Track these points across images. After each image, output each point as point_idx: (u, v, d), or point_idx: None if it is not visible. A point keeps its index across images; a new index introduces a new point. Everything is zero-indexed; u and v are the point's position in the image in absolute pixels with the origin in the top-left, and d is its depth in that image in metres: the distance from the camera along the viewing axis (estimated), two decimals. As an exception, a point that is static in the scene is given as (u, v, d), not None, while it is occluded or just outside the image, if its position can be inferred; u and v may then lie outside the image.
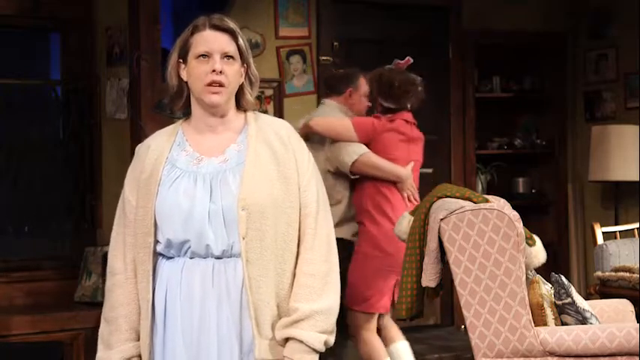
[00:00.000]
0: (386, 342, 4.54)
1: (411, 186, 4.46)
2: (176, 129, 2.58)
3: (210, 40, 2.46)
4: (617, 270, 5.08)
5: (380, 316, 4.55)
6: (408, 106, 4.58)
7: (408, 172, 4.47)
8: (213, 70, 2.43)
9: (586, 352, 3.27)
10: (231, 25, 2.49)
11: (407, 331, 4.75)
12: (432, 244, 3.45)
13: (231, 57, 2.46)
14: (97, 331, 2.58)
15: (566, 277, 3.59)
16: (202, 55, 2.45)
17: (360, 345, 4.50)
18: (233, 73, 2.47)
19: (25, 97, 5.47)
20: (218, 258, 2.42)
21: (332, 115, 4.62)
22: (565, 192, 7.08)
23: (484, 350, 3.30)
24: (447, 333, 6.32)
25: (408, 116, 4.57)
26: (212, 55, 2.45)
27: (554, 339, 3.28)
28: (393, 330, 4.59)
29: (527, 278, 3.41)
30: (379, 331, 4.57)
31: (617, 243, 5.47)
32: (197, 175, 2.45)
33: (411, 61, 4.67)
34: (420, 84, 4.61)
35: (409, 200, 4.44)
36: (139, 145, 2.61)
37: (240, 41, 2.49)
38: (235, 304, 2.40)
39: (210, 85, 2.44)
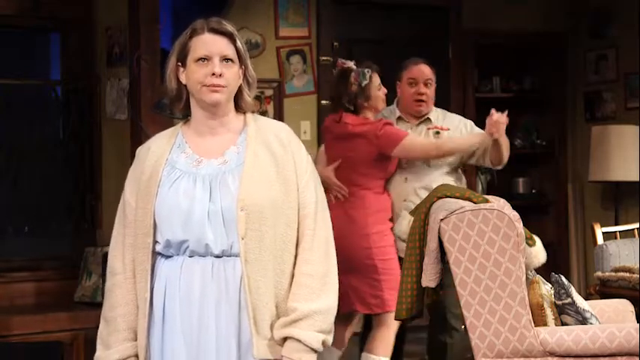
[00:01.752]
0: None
1: (330, 184, 4.43)
2: (176, 131, 2.59)
3: (209, 44, 2.47)
4: (617, 270, 5.07)
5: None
6: (346, 105, 4.55)
7: (326, 172, 4.44)
8: (213, 74, 2.44)
9: (586, 352, 3.27)
10: (229, 28, 2.51)
11: (407, 331, 4.74)
12: (432, 244, 3.45)
13: (230, 60, 2.48)
14: (97, 331, 2.58)
15: (566, 277, 3.59)
16: (202, 59, 2.46)
17: None
18: (232, 76, 2.48)
19: (25, 97, 5.47)
20: (217, 257, 2.43)
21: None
22: (565, 192, 7.08)
23: (484, 350, 3.30)
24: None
25: (337, 116, 4.56)
26: (211, 58, 2.46)
27: (554, 339, 3.28)
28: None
29: (527, 278, 3.41)
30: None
31: (617, 243, 5.46)
32: (197, 176, 2.46)
33: (344, 64, 4.69)
34: (356, 80, 4.57)
35: (336, 199, 4.42)
36: (140, 147, 2.63)
37: (239, 44, 2.50)
38: (234, 303, 2.41)
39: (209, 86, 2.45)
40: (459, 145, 4.51)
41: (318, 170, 4.25)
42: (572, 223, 7.05)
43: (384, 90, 4.66)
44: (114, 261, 2.56)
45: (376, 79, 4.64)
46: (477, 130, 4.61)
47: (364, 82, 4.56)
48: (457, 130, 4.61)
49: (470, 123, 4.69)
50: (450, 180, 4.49)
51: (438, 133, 4.58)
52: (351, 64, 4.68)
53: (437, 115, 4.67)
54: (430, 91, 4.62)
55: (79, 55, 5.40)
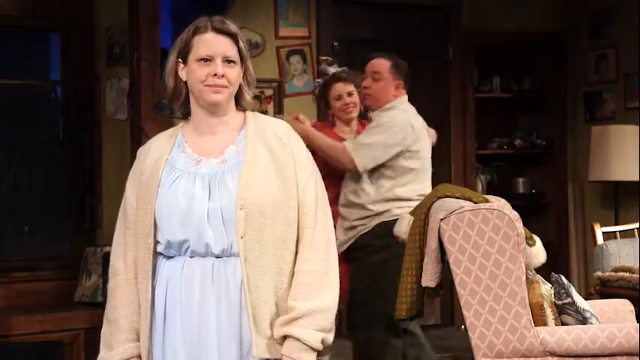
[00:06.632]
0: None
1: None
2: (176, 131, 2.59)
3: (211, 44, 2.46)
4: (617, 270, 5.08)
5: None
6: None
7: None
8: (215, 74, 2.44)
9: (586, 352, 3.27)
10: (233, 28, 2.50)
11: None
12: (432, 244, 3.45)
13: (232, 61, 2.47)
14: (97, 331, 2.59)
15: (566, 277, 3.59)
16: (204, 59, 2.45)
17: None
18: (234, 77, 2.48)
19: (25, 98, 5.47)
20: (218, 257, 2.43)
21: None
22: (565, 192, 7.08)
23: (484, 350, 3.30)
24: (447, 333, 6.32)
25: None
26: (214, 58, 2.45)
27: (554, 339, 3.28)
28: None
29: (527, 278, 3.41)
30: None
31: (617, 243, 5.47)
32: (196, 175, 2.46)
33: (323, 70, 4.82)
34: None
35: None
36: (141, 147, 2.63)
37: (241, 44, 2.50)
38: (234, 303, 2.41)
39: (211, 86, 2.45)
40: None
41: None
42: (572, 223, 7.05)
43: (344, 101, 4.61)
44: (116, 262, 2.56)
45: (336, 89, 4.63)
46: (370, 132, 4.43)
47: (317, 91, 4.64)
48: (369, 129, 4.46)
49: (374, 124, 4.43)
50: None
51: None
52: (328, 69, 4.71)
53: (383, 112, 4.48)
54: (377, 86, 4.48)
55: (79, 55, 5.40)
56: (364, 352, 4.45)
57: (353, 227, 4.43)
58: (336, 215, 4.37)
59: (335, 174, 4.48)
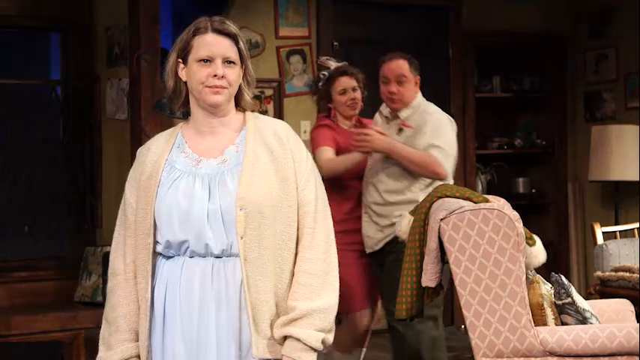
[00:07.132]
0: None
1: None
2: (176, 131, 2.59)
3: (212, 45, 2.46)
4: (617, 270, 5.08)
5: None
6: (319, 104, 4.85)
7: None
8: (215, 75, 2.44)
9: (586, 352, 3.27)
10: (233, 29, 2.50)
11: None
12: (432, 244, 3.45)
13: (232, 62, 2.47)
14: (97, 331, 2.59)
15: (566, 277, 3.59)
16: (204, 60, 2.45)
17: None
18: (234, 77, 2.48)
19: (25, 97, 5.47)
20: (217, 257, 2.43)
21: None
22: (565, 192, 7.09)
23: (484, 350, 3.30)
24: (447, 333, 6.30)
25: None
26: (214, 59, 2.45)
27: (554, 339, 3.28)
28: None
29: (527, 278, 3.41)
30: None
31: (617, 243, 5.47)
32: (196, 175, 2.46)
33: (323, 63, 4.75)
34: (323, 81, 4.67)
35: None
36: (141, 147, 2.63)
37: (241, 44, 2.50)
38: (234, 303, 2.41)
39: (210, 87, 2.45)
40: (336, 165, 4.37)
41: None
42: (572, 223, 7.06)
43: (350, 95, 4.55)
44: (115, 262, 2.56)
45: (341, 83, 4.57)
46: (439, 132, 4.35)
47: (319, 84, 4.60)
48: (420, 132, 4.35)
49: (436, 126, 4.36)
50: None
51: (401, 130, 4.42)
52: (329, 63, 4.68)
53: (411, 111, 4.44)
54: (403, 89, 4.42)
55: (79, 55, 5.41)
56: (404, 342, 4.42)
57: (395, 224, 4.37)
58: (342, 215, 4.38)
59: (358, 176, 4.47)
